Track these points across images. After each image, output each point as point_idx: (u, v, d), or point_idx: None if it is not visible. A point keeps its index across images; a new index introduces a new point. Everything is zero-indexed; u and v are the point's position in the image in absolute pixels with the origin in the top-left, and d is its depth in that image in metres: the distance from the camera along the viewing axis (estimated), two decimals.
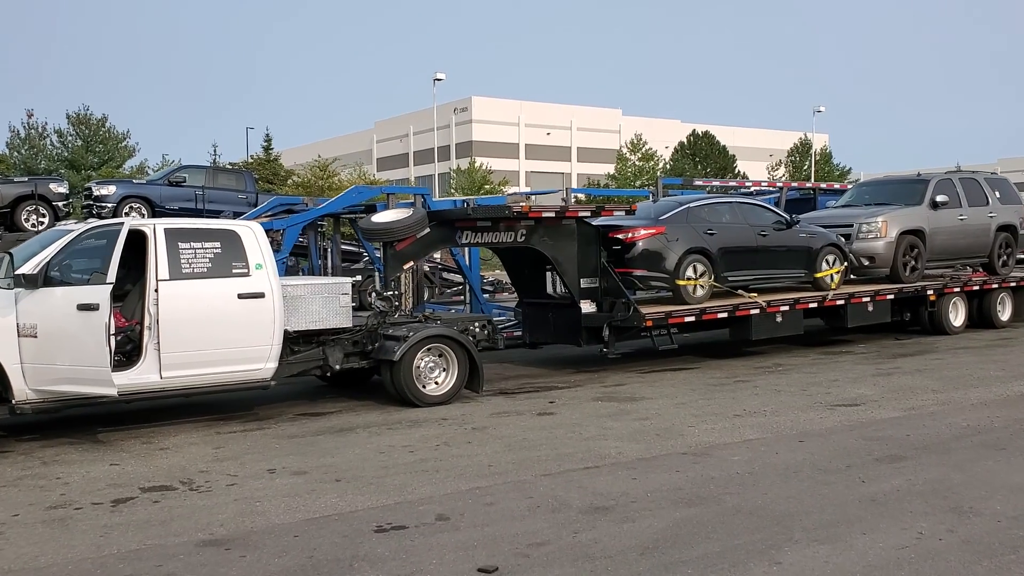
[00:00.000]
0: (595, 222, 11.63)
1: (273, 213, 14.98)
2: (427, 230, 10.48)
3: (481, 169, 65.54)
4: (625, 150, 69.41)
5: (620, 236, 11.85)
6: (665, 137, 74.13)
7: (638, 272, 11.84)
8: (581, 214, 11.02)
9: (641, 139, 69.60)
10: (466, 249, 14.41)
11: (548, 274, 11.86)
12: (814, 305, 13.01)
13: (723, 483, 6.21)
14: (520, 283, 12.48)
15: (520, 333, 12.66)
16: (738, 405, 9.12)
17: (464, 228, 10.66)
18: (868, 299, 13.58)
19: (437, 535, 5.27)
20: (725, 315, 12.03)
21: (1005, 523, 5.18)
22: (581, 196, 28.59)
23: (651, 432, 7.94)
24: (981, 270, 16.08)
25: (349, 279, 9.79)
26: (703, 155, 66.38)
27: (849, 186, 18.54)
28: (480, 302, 14.28)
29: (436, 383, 9.70)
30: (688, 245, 12.00)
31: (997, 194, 15.84)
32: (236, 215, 15.28)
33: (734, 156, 67.90)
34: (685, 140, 68.70)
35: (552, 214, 10.75)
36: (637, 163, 65.37)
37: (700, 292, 12.12)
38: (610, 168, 69.57)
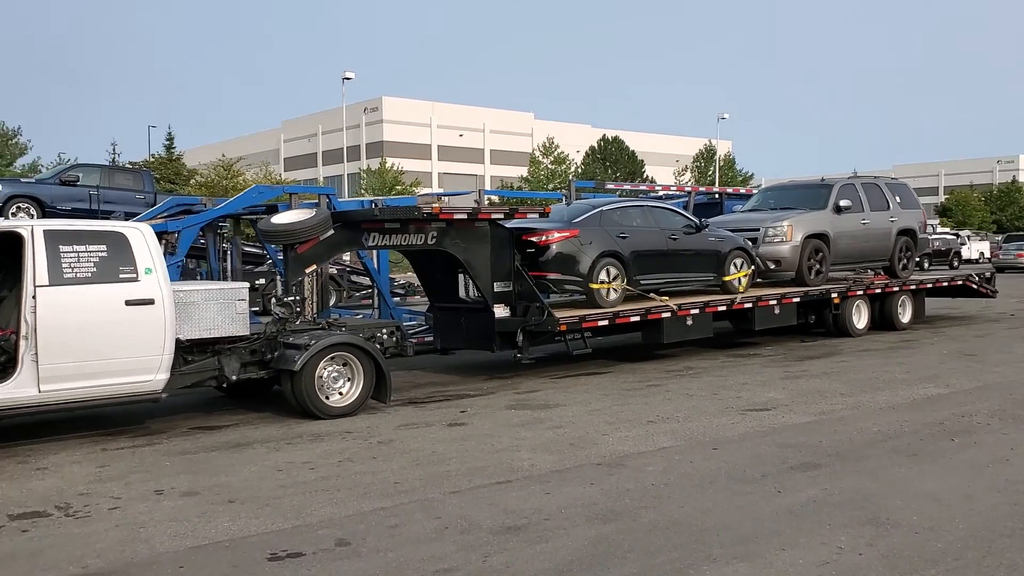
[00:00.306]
0: (509, 225, 11.37)
1: (170, 214, 14.21)
2: (331, 232, 10.01)
3: (392, 169, 64.78)
4: (538, 153, 69.71)
5: (534, 239, 11.62)
6: (576, 141, 74.85)
7: (552, 275, 11.65)
8: (494, 216, 10.74)
9: (553, 142, 70.05)
10: (374, 251, 13.97)
11: (460, 278, 11.55)
12: (723, 308, 13.06)
13: (638, 496, 6.01)
14: (431, 287, 12.13)
15: (431, 339, 12.31)
16: (651, 411, 8.99)
17: (371, 230, 10.24)
18: (775, 302, 13.72)
19: (336, 563, 4.89)
20: (638, 318, 11.94)
21: (922, 535, 5.11)
22: (494, 198, 28.42)
23: (565, 442, 7.70)
24: (882, 273, 16.50)
25: (245, 284, 9.23)
26: (613, 160, 67.29)
27: (754, 191, 18.82)
28: (389, 306, 13.86)
29: (340, 394, 9.26)
30: (601, 248, 11.87)
31: (897, 199, 16.28)
32: (128, 216, 14.45)
33: (643, 161, 69.01)
34: (596, 145, 69.50)
35: (464, 216, 10.44)
36: (550, 166, 65.70)
37: (613, 295, 12.00)
38: (523, 171, 69.76)
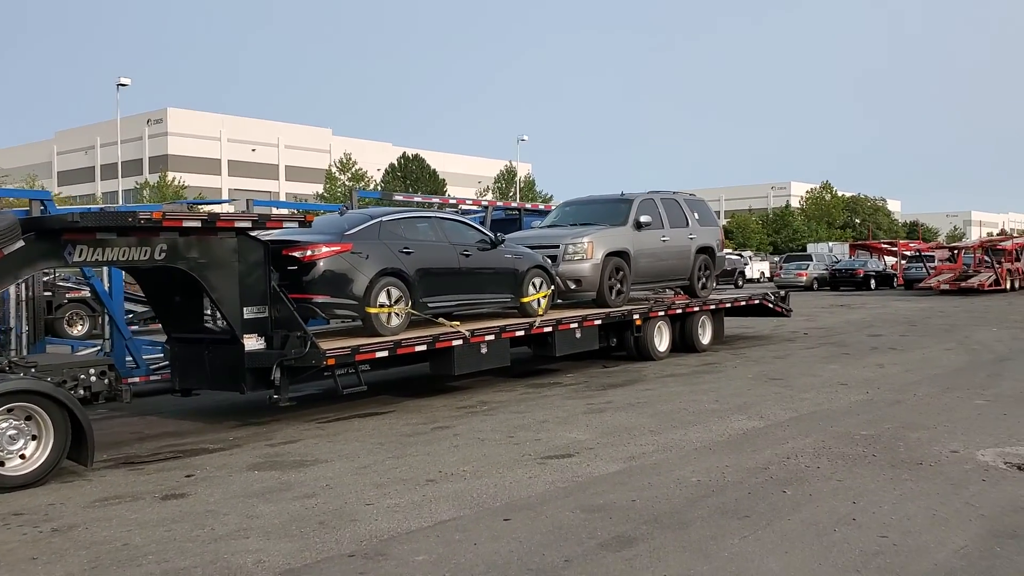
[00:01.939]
0: (265, 237, 9.38)
1: None
2: (20, 243, 7.63)
3: (173, 184, 60.17)
4: (334, 169, 67.18)
5: (296, 254, 9.68)
6: (376, 159, 73.22)
7: (320, 298, 9.74)
8: (239, 225, 8.68)
9: (350, 158, 67.84)
10: (105, 269, 11.49)
11: (207, 302, 9.40)
12: (521, 333, 11.64)
13: None
14: (167, 314, 9.83)
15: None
16: (433, 465, 7.30)
17: (77, 241, 7.92)
18: (576, 325, 12.49)
19: None
20: (424, 348, 10.25)
21: None
22: (274, 210, 25.90)
23: (313, 519, 5.85)
24: (682, 293, 15.81)
25: None
26: (414, 178, 65.87)
27: (553, 208, 17.72)
28: (125, 336, 11.38)
29: (22, 457, 6.94)
30: (381, 266, 10.11)
31: (696, 215, 15.65)
32: None
33: (444, 180, 68.06)
34: (396, 162, 67.88)
35: (197, 223, 8.32)
36: (347, 183, 63.34)
37: (396, 321, 10.26)
38: (319, 187, 67.02)
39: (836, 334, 18.39)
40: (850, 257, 48.00)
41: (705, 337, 15.28)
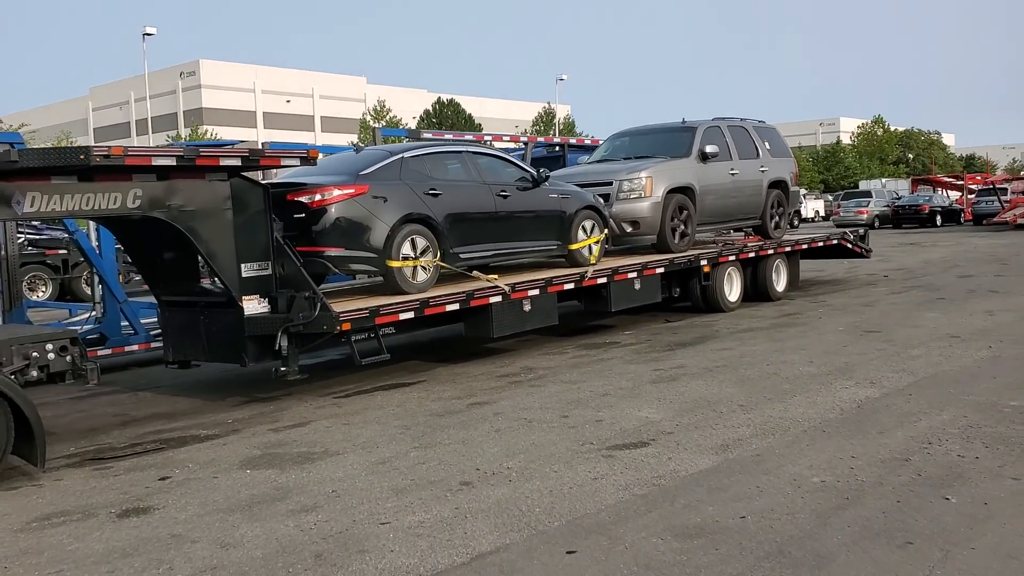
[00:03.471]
0: (268, 181, 7.82)
1: None
2: None
3: (206, 138, 58.99)
4: (368, 118, 65.52)
5: (304, 199, 8.10)
6: (412, 106, 71.36)
7: (332, 251, 8.17)
8: (225, 163, 7.08)
9: (384, 106, 66.15)
10: (90, 222, 10.12)
11: (201, 258, 7.89)
12: (571, 286, 9.98)
13: None
14: (154, 274, 8.33)
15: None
16: (469, 459, 5.74)
17: (28, 188, 6.40)
18: (635, 275, 10.78)
19: None
20: (456, 307, 8.65)
21: None
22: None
23: (308, 549, 4.32)
24: (751, 234, 13.99)
25: None
26: (449, 124, 64.02)
27: (603, 141, 15.85)
28: (119, 300, 9.98)
29: None
30: (404, 211, 8.50)
31: (767, 145, 13.73)
32: None
33: (480, 126, 66.02)
34: (431, 108, 66.01)
35: (171, 160, 6.72)
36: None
37: (422, 276, 8.68)
38: (354, 138, 65.49)
39: (920, 276, 16.44)
40: (912, 193, 45.26)
41: (780, 284, 13.47)
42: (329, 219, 8.06)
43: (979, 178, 44.69)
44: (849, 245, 15.25)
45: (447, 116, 65.51)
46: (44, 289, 17.30)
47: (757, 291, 13.13)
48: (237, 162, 7.06)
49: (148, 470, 5.92)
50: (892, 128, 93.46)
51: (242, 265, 7.52)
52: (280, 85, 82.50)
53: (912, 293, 13.76)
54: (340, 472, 5.61)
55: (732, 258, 12.36)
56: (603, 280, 10.37)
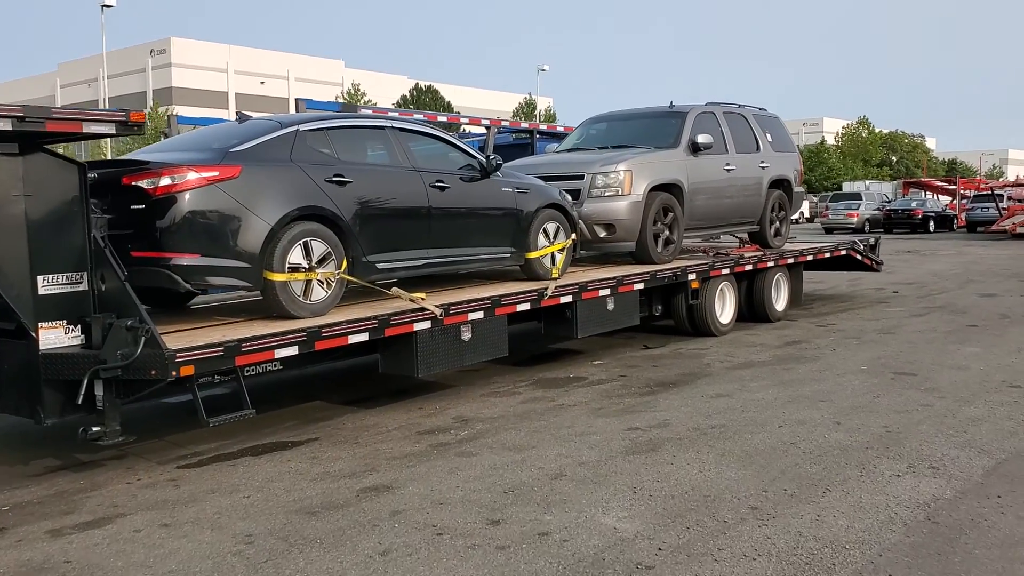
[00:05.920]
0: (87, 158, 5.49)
1: None
2: None
3: (167, 114, 56.26)
4: (342, 101, 63.07)
5: (143, 184, 5.79)
6: (389, 92, 68.96)
7: (182, 259, 5.83)
8: (19, 128, 4.74)
9: (359, 89, 63.77)
10: None
11: None
12: (526, 306, 7.74)
13: None
14: None
15: None
16: None
17: None
18: (607, 292, 8.56)
19: None
20: (365, 336, 6.38)
21: None
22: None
23: None
24: (747, 242, 11.83)
25: None
26: (427, 111, 61.61)
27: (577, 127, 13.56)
28: None
29: None
30: (292, 204, 6.19)
31: (769, 137, 11.55)
32: None
33: (460, 114, 63.74)
34: (408, 94, 63.74)
35: None
36: None
37: (320, 294, 6.38)
38: None
39: (935, 293, 14.35)
40: (903, 196, 43.46)
41: (780, 302, 11.31)
42: (179, 213, 5.74)
43: (977, 181, 43.03)
44: (859, 256, 13.12)
45: (425, 103, 63.34)
46: None
47: (753, 310, 10.96)
48: (8, 125, 4.71)
49: None
50: (877, 130, 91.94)
51: (39, 277, 5.20)
52: (254, 66, 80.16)
53: (934, 316, 11.63)
54: None
55: (726, 271, 10.17)
56: (568, 299, 8.13)
